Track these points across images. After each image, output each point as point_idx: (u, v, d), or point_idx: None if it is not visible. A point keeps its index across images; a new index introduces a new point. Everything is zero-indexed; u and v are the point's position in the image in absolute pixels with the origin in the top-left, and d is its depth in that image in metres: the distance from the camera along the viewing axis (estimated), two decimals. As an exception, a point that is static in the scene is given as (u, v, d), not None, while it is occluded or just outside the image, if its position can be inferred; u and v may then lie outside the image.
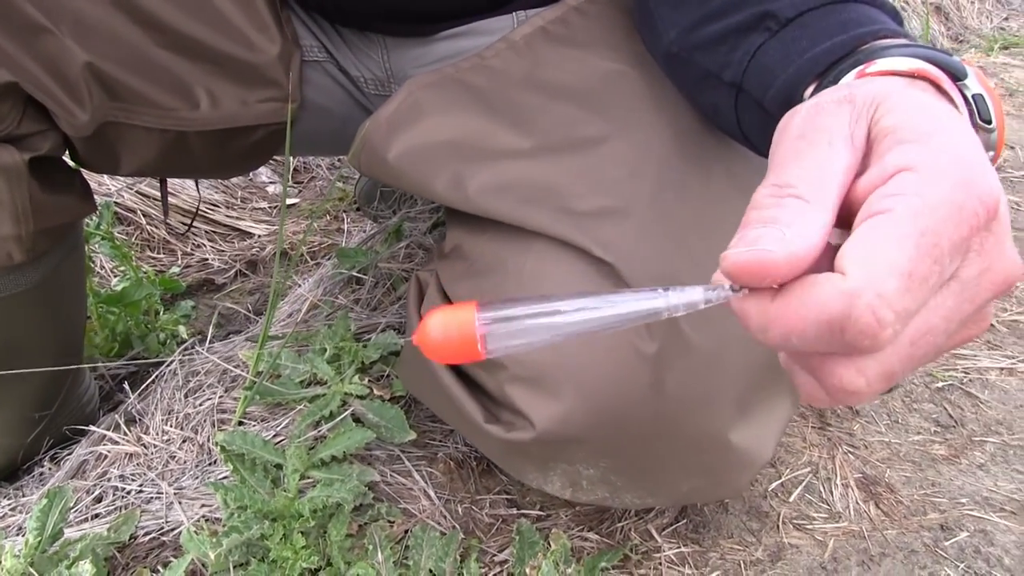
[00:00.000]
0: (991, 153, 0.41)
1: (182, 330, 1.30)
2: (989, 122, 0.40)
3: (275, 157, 1.79)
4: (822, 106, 0.34)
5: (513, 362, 0.64)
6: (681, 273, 0.62)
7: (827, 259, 0.31)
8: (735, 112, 0.57)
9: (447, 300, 0.73)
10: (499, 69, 0.76)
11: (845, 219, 0.32)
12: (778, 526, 0.83)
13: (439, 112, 0.74)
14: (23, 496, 0.92)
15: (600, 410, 0.62)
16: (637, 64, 0.73)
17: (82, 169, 0.79)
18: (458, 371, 0.71)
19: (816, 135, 0.33)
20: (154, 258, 1.60)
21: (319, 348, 0.92)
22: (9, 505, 0.89)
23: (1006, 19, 2.62)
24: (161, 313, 1.31)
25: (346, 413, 0.85)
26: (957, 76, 0.40)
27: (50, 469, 0.95)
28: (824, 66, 0.46)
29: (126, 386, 1.00)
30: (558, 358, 0.63)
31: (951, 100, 0.39)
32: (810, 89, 0.47)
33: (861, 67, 0.41)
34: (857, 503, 0.88)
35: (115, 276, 1.45)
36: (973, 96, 0.40)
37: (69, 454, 0.94)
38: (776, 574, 0.79)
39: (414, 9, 0.81)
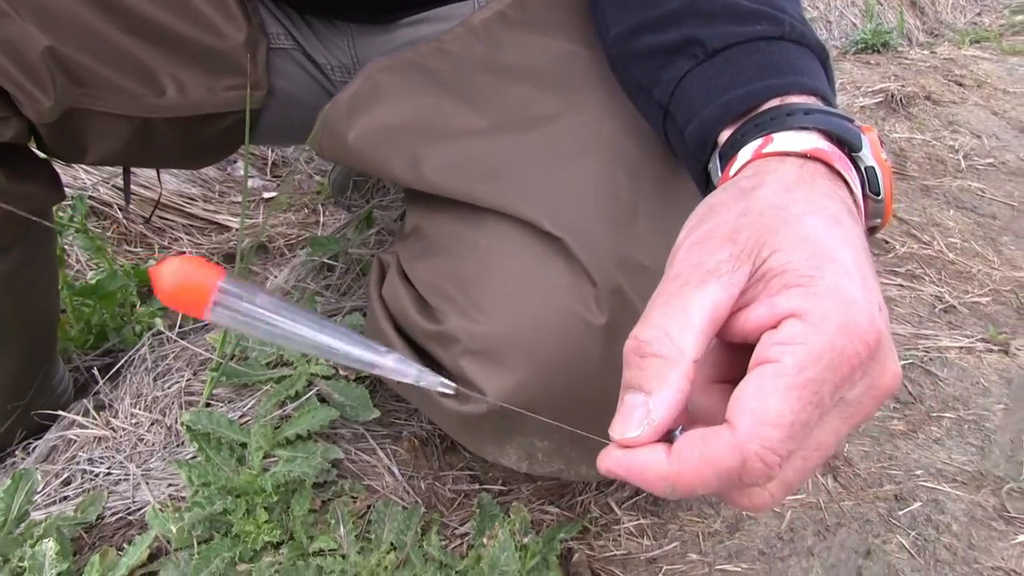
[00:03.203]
0: (878, 220, 0.45)
1: (159, 322, 1.30)
2: (878, 193, 0.44)
3: (250, 145, 1.79)
4: (707, 240, 0.38)
5: (466, 335, 0.65)
6: (629, 248, 0.64)
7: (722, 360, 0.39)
8: (664, 130, 0.59)
9: (407, 280, 0.74)
10: (457, 53, 0.77)
11: (731, 334, 0.37)
12: (736, 499, 0.85)
13: (397, 95, 0.75)
14: (-6, 483, 0.92)
15: (551, 382, 0.63)
16: (592, 46, 0.75)
17: (51, 159, 0.79)
18: (416, 347, 0.72)
19: (691, 275, 0.37)
20: (131, 252, 1.60)
21: (286, 331, 0.93)
22: None
23: (979, 14, 2.66)
24: (138, 306, 1.31)
25: (311, 393, 0.86)
26: (852, 148, 0.43)
27: (21, 457, 0.95)
28: (735, 115, 0.49)
29: (96, 373, 1.01)
30: (510, 331, 0.64)
31: (842, 177, 0.42)
32: (724, 135, 0.50)
33: (760, 143, 0.44)
34: (816, 476, 0.90)
35: (91, 269, 1.46)
36: (865, 168, 0.44)
37: (40, 441, 0.95)
38: (734, 544, 0.80)
39: (375, 0, 0.82)
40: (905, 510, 0.87)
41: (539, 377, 0.63)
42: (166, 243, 1.62)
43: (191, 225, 1.67)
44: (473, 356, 0.65)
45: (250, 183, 1.87)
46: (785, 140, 0.44)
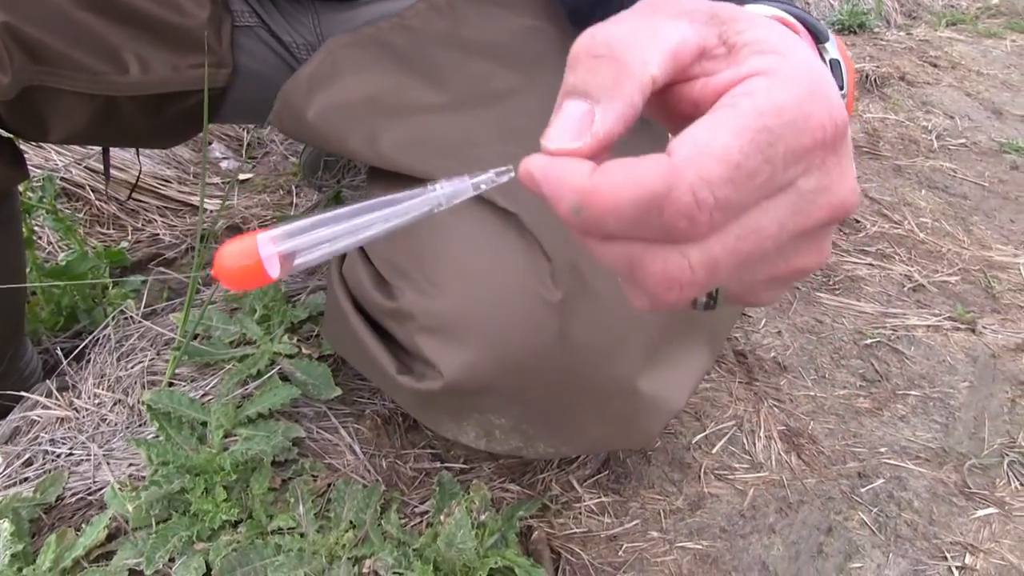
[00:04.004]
0: None
1: (131, 304, 1.29)
2: (841, 87, 0.41)
3: (220, 127, 1.77)
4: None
5: (422, 312, 0.64)
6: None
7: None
8: None
9: (366, 257, 0.74)
10: (418, 28, 0.76)
11: (683, 102, 0.32)
12: (699, 476, 0.85)
13: (357, 70, 0.74)
14: (-43, 465, 0.91)
15: (507, 358, 0.63)
16: (554, 19, 0.74)
17: (16, 138, 0.77)
18: (374, 324, 0.72)
19: (662, 8, 0.32)
20: (104, 234, 1.58)
21: (249, 309, 0.92)
22: None
23: (955, -6, 2.66)
24: (109, 288, 1.30)
25: (273, 371, 0.85)
26: (819, 39, 0.41)
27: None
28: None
29: (59, 353, 0.99)
30: (465, 308, 0.63)
31: None
32: None
33: None
34: (779, 454, 0.89)
35: (62, 251, 1.44)
36: (830, 60, 0.41)
37: (3, 422, 0.94)
38: (695, 522, 0.80)
39: None
40: (868, 487, 0.87)
41: (494, 353, 0.63)
42: (139, 225, 1.60)
43: (165, 207, 1.65)
44: (428, 333, 0.65)
45: (224, 164, 1.85)
46: (755, 8, 0.42)
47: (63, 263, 1.23)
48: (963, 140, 1.66)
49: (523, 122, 0.68)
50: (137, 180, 1.44)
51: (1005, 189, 1.52)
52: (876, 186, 1.45)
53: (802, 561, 0.78)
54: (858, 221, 1.32)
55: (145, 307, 1.34)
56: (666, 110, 0.33)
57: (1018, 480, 0.92)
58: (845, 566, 0.78)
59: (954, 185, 1.51)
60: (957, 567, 0.80)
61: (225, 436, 0.79)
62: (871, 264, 1.23)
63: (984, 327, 1.15)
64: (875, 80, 1.79)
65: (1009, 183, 1.54)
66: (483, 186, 0.32)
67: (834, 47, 0.43)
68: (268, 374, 0.85)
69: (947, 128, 1.69)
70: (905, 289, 1.21)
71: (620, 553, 0.75)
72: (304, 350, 0.88)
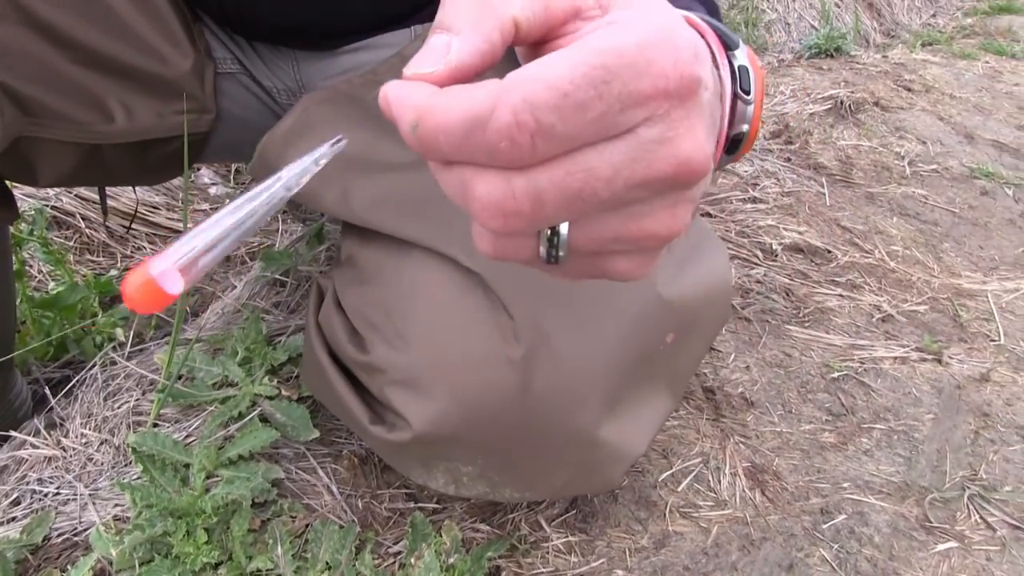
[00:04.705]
0: (745, 127, 0.42)
1: (119, 332, 1.31)
2: (748, 92, 0.41)
3: (201, 164, 1.80)
4: None
5: (391, 366, 0.67)
6: (544, 280, 0.66)
7: None
8: None
9: (340, 308, 0.76)
10: None
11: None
12: (665, 514, 0.88)
13: (329, 126, 0.77)
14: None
15: (472, 411, 0.65)
16: None
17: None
18: (348, 374, 0.74)
19: None
20: (94, 261, 1.60)
21: (231, 351, 0.95)
22: None
23: (933, 15, 2.69)
24: (98, 316, 1.32)
25: (254, 414, 0.88)
26: (729, 47, 0.42)
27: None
28: None
29: (48, 392, 1.02)
30: (432, 363, 0.66)
31: (715, 61, 0.39)
32: None
33: None
34: (743, 491, 0.92)
35: (52, 280, 1.46)
36: (739, 67, 0.42)
37: (-6, 459, 0.96)
38: (659, 560, 0.83)
39: (318, 27, 0.83)
40: (829, 523, 0.90)
41: (460, 407, 0.66)
42: (128, 252, 1.62)
43: (154, 234, 1.68)
44: (398, 386, 0.68)
45: (213, 190, 1.88)
46: None
47: (53, 293, 1.25)
48: (935, 166, 1.70)
49: None
50: (135, 213, 1.47)
51: (975, 215, 1.55)
52: (848, 215, 1.48)
53: (763, 597, 0.81)
54: (829, 251, 1.35)
55: (134, 336, 1.37)
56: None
57: (978, 513, 0.95)
58: (804, 602, 0.81)
59: (925, 212, 1.54)
60: (914, 602, 0.83)
61: (207, 477, 0.82)
62: (841, 295, 1.27)
63: (950, 357, 1.19)
64: (849, 106, 1.83)
65: (979, 209, 1.58)
66: (323, 160, 0.35)
67: (744, 55, 0.43)
68: (249, 416, 0.87)
69: (919, 154, 1.72)
70: (874, 320, 1.24)
71: (586, 592, 0.78)
72: (284, 392, 0.91)
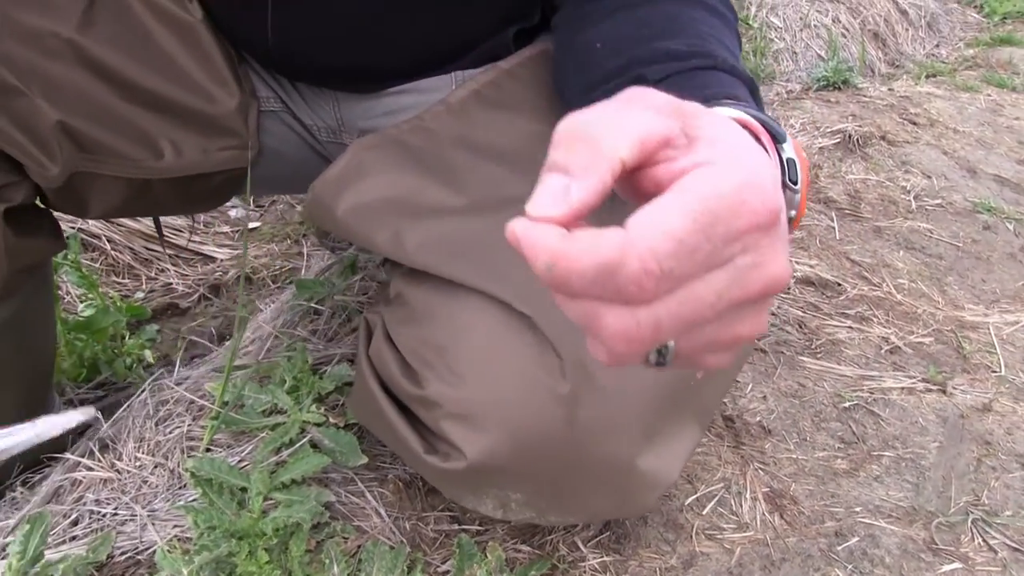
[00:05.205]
0: (793, 213, 0.49)
1: (148, 354, 1.38)
2: (795, 183, 0.49)
3: (241, 195, 1.88)
4: (647, 92, 0.40)
5: (446, 401, 0.74)
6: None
7: None
8: None
9: (391, 344, 0.83)
10: (435, 130, 0.84)
11: (647, 185, 0.38)
12: (692, 536, 0.95)
13: (379, 172, 0.82)
14: (-3, 520, 1.00)
15: (522, 443, 0.72)
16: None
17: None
18: (401, 406, 0.81)
19: (634, 102, 0.38)
20: (119, 283, 1.67)
21: (279, 379, 1.02)
22: None
23: (936, 46, 2.81)
24: (127, 338, 1.38)
25: (304, 440, 0.95)
26: (777, 139, 0.49)
27: (22, 494, 1.02)
28: None
29: (97, 413, 1.09)
30: (485, 398, 0.73)
31: (767, 153, 0.47)
32: None
33: None
34: (763, 514, 1.00)
35: (81, 302, 1.52)
36: (787, 159, 0.49)
37: (43, 479, 1.03)
38: (687, 579, 0.91)
39: (361, 71, 0.89)
40: (844, 545, 0.98)
41: (511, 439, 0.72)
42: (152, 274, 1.69)
43: (177, 256, 1.75)
44: (453, 419, 0.74)
45: (233, 213, 1.95)
46: (719, 110, 0.48)
47: (85, 315, 1.32)
48: (939, 200, 1.79)
49: None
50: (188, 239, 1.53)
51: (977, 249, 1.65)
52: (857, 248, 1.57)
53: (783, 616, 0.89)
54: (840, 284, 1.44)
55: (166, 359, 1.44)
56: (633, 188, 0.39)
57: (981, 537, 1.03)
58: (822, 620, 0.89)
59: (930, 246, 1.63)
60: (923, 620, 0.91)
61: (263, 500, 0.89)
62: (851, 327, 1.35)
63: (954, 388, 1.27)
64: (857, 140, 1.92)
65: (981, 243, 1.67)
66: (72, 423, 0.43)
67: (791, 147, 0.49)
68: (300, 442, 0.95)
69: (925, 188, 1.82)
70: (882, 351, 1.32)
71: (621, 609, 0.86)
72: (331, 419, 0.98)
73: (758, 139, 0.47)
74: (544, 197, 0.36)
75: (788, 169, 0.49)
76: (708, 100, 0.53)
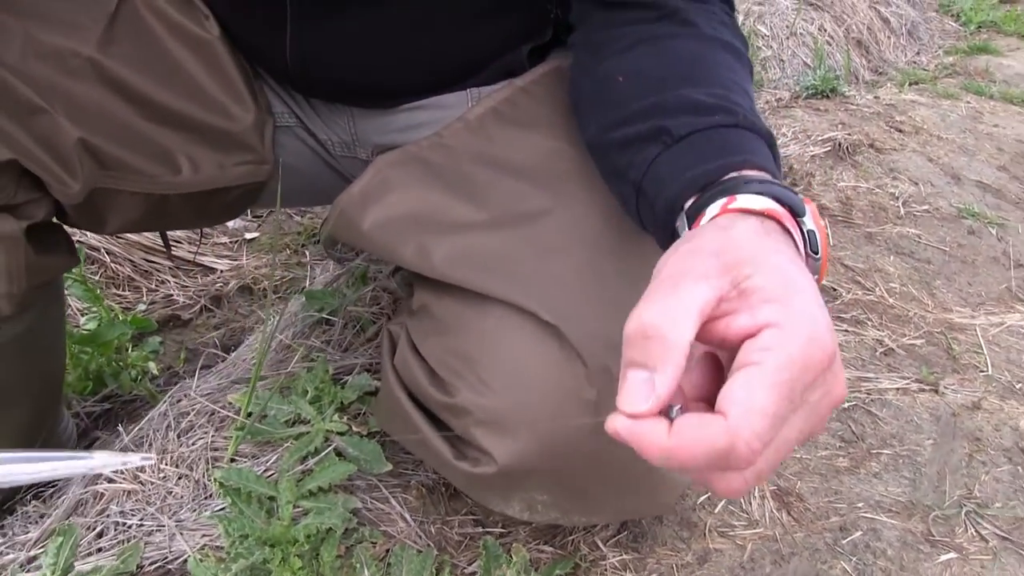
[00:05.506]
0: (815, 276, 0.55)
1: (152, 366, 1.40)
2: (817, 252, 0.55)
3: (255, 209, 1.90)
4: (695, 252, 0.47)
5: (476, 408, 0.77)
6: (615, 332, 0.77)
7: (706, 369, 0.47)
8: (636, 206, 0.70)
9: (417, 354, 0.86)
10: (454, 147, 0.87)
11: (712, 337, 0.46)
12: (705, 534, 1.00)
13: (404, 188, 0.86)
14: (15, 535, 1.01)
15: (550, 447, 0.76)
16: (574, 142, 0.85)
17: (66, 226, 0.87)
18: (428, 414, 0.85)
19: (683, 278, 0.45)
20: (119, 295, 1.69)
21: (301, 390, 1.06)
22: (2, 545, 0.98)
23: (917, 53, 2.90)
24: (130, 350, 1.40)
25: (329, 448, 0.99)
26: (797, 213, 0.55)
27: (36, 508, 1.05)
28: (699, 187, 0.59)
29: (155, 457, 1.10)
30: (514, 405, 0.76)
31: (791, 234, 0.52)
32: (689, 201, 0.59)
33: (725, 200, 0.54)
34: (772, 511, 1.05)
35: (83, 315, 1.54)
36: (807, 231, 0.55)
37: (61, 493, 1.05)
38: (703, 574, 0.96)
39: (377, 88, 0.92)
40: (848, 539, 1.04)
41: (539, 444, 0.76)
42: (153, 285, 1.71)
43: (177, 268, 1.77)
44: (483, 426, 0.78)
45: (231, 224, 1.97)
46: (746, 200, 0.53)
47: (90, 328, 1.34)
48: (927, 206, 1.86)
49: (557, 240, 0.81)
50: (197, 251, 1.55)
51: (963, 253, 1.72)
52: (850, 253, 1.64)
53: (795, 608, 0.94)
54: (835, 289, 1.50)
55: (163, 368, 1.47)
56: (698, 338, 0.45)
57: (973, 528, 1.09)
58: (831, 612, 0.94)
59: (919, 251, 1.70)
60: (925, 609, 0.97)
61: (292, 508, 0.92)
62: (846, 331, 1.41)
63: (945, 387, 1.33)
64: (847, 148, 2.00)
65: (967, 247, 1.75)
66: (127, 466, 0.49)
67: (810, 219, 0.55)
68: (325, 451, 0.98)
69: (912, 194, 1.89)
70: (877, 353, 1.38)
71: (641, 605, 0.90)
72: (354, 428, 1.02)
73: (782, 224, 0.52)
74: (634, 394, 0.43)
75: (809, 240, 0.55)
76: (732, 168, 0.58)
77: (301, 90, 0.97)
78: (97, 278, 1.67)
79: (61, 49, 0.76)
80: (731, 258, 0.46)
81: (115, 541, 0.97)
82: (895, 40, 2.82)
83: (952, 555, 1.04)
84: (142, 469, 1.05)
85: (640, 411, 0.42)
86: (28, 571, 0.92)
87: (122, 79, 0.79)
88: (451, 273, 0.81)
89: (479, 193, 0.84)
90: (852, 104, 2.28)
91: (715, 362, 0.50)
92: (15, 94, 0.72)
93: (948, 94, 2.52)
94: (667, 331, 0.43)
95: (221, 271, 1.81)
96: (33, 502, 1.04)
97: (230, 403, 1.08)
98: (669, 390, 0.42)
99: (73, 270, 1.39)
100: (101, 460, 0.47)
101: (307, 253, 1.86)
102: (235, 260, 1.84)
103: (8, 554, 0.95)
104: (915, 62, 2.85)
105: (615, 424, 0.43)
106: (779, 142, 2.01)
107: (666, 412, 0.42)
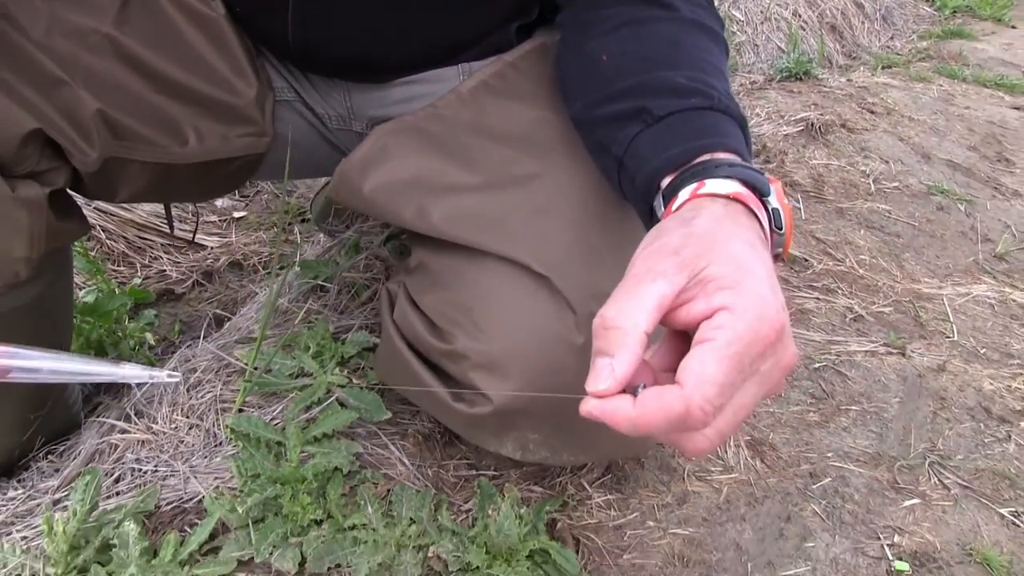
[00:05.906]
0: (780, 249, 0.63)
1: (149, 337, 1.47)
2: (781, 228, 0.62)
3: (255, 181, 1.96)
4: (658, 252, 0.54)
5: (473, 353, 0.84)
6: (600, 282, 0.85)
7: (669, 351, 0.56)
8: (618, 178, 0.77)
9: (416, 308, 0.94)
10: (449, 117, 0.95)
11: (677, 322, 0.53)
12: (683, 478, 1.09)
13: (403, 154, 0.93)
14: (36, 485, 1.09)
15: (541, 388, 0.84)
16: (559, 111, 0.92)
17: (77, 195, 0.93)
18: (427, 364, 0.92)
19: (644, 276, 0.53)
20: (115, 270, 1.76)
21: (304, 346, 1.14)
22: (24, 495, 1.06)
23: (891, 38, 3.01)
24: (127, 322, 1.46)
25: (332, 399, 1.07)
26: (762, 193, 0.61)
27: (50, 462, 1.12)
28: (675, 166, 0.66)
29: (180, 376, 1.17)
30: (509, 350, 0.84)
31: (755, 215, 0.59)
32: (666, 180, 0.67)
33: (695, 185, 0.62)
34: (746, 459, 1.15)
35: (82, 289, 1.60)
36: (772, 209, 0.62)
37: (75, 447, 1.12)
38: (682, 513, 1.05)
39: (373, 63, 0.99)
40: (818, 484, 1.13)
41: (532, 384, 0.84)
42: (146, 261, 1.78)
43: (170, 245, 1.84)
44: (480, 369, 0.85)
45: (219, 203, 2.04)
46: (714, 185, 0.60)
47: (90, 299, 1.40)
48: (897, 183, 1.97)
49: (546, 201, 0.89)
50: (196, 230, 1.62)
51: (932, 228, 1.83)
52: (822, 227, 1.74)
53: (767, 543, 1.03)
54: (807, 260, 1.60)
55: (159, 338, 1.54)
56: (669, 325, 0.54)
57: (936, 477, 1.19)
58: (801, 546, 1.04)
59: (889, 225, 1.80)
60: (888, 545, 1.06)
61: (299, 452, 1.00)
62: (817, 298, 1.51)
63: (912, 351, 1.43)
64: (819, 128, 2.10)
65: (936, 223, 1.85)
66: (154, 379, 0.57)
67: (775, 198, 0.61)
68: (327, 401, 1.06)
69: (883, 172, 2.00)
70: (847, 320, 1.48)
71: (625, 539, 0.99)
72: (354, 380, 1.10)
73: (748, 206, 0.59)
74: (597, 376, 0.51)
75: (773, 217, 0.62)
76: (706, 150, 0.65)
77: (300, 66, 1.04)
78: (94, 254, 1.73)
79: (82, 27, 0.83)
80: (689, 253, 0.53)
81: (132, 485, 1.05)
82: (869, 25, 2.92)
83: (916, 501, 1.14)
84: (154, 420, 1.13)
85: (602, 390, 0.50)
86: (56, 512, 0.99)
87: (136, 55, 0.86)
88: (449, 231, 0.89)
89: (473, 159, 0.92)
90: (825, 86, 2.39)
91: (687, 341, 0.56)
92: (41, 68, 0.78)
93: (921, 77, 2.63)
94: (622, 323, 0.51)
95: (212, 248, 1.87)
96: (48, 457, 1.11)
97: (237, 358, 1.15)
98: (626, 372, 0.50)
99: (75, 244, 1.45)
100: (130, 371, 0.55)
101: (296, 231, 1.93)
102: (225, 238, 1.91)
103: (34, 499, 1.02)
104: (889, 47, 2.96)
105: (587, 406, 0.52)
106: (753, 122, 2.11)
107: (632, 390, 0.50)
